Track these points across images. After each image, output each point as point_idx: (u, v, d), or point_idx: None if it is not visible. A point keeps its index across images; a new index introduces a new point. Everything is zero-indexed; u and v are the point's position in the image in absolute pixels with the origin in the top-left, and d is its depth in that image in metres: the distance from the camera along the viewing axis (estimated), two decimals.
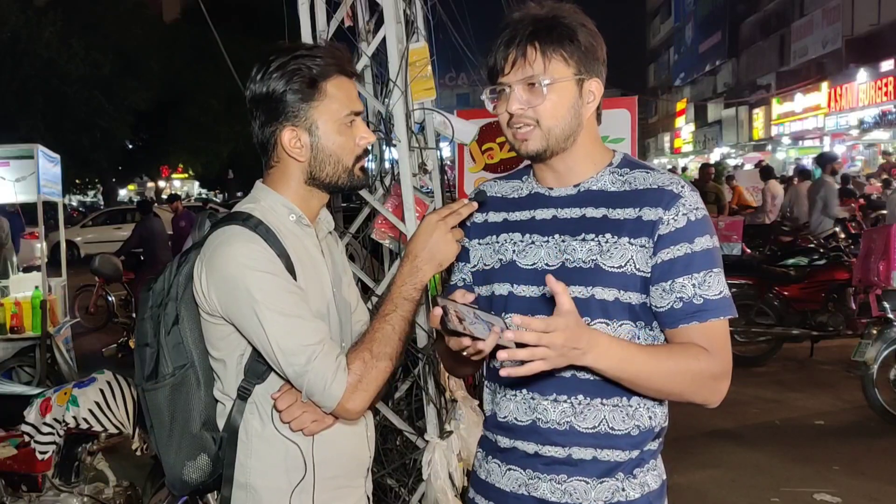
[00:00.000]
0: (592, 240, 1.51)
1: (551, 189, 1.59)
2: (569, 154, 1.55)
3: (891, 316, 5.48)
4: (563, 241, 1.53)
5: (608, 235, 1.50)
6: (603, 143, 1.62)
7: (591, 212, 1.53)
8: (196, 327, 1.61)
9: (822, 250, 7.61)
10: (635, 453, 1.53)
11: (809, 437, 5.30)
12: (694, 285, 1.46)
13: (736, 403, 6.05)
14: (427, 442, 3.04)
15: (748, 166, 23.96)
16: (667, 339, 1.53)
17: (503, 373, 1.32)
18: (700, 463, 4.78)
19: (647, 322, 1.52)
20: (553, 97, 1.49)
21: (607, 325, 1.50)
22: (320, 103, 1.58)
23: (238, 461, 1.60)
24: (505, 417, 1.60)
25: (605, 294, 1.49)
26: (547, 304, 1.49)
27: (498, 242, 1.63)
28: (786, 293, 7.17)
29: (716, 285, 1.47)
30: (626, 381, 1.45)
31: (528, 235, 1.58)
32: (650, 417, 1.54)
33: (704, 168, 12.73)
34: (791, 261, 7.54)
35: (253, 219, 1.56)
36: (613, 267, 1.49)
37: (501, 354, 1.32)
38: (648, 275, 1.48)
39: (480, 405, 3.32)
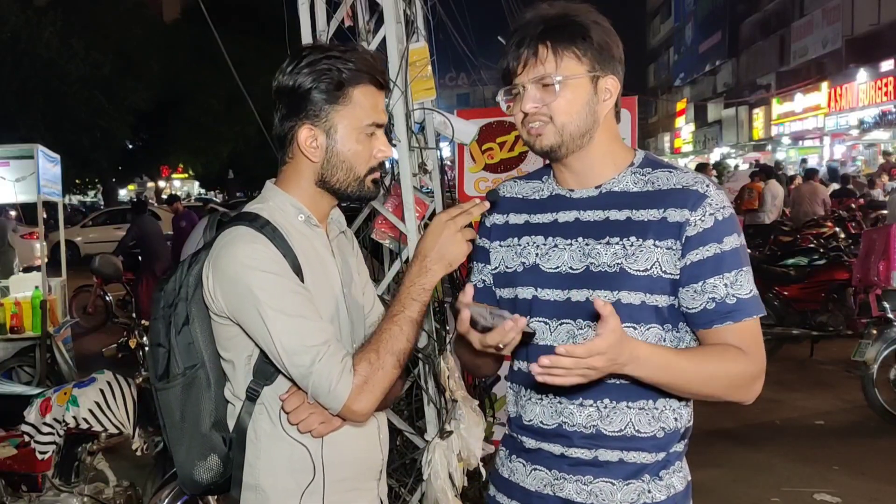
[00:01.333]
0: (617, 243, 1.49)
1: (572, 191, 1.57)
2: (586, 153, 1.53)
3: (891, 316, 5.48)
4: (587, 244, 1.52)
5: (633, 238, 1.48)
6: (623, 142, 1.60)
7: (615, 214, 1.51)
8: (206, 328, 1.61)
9: (822, 250, 7.62)
10: (661, 455, 1.53)
11: (809, 437, 5.31)
12: (726, 285, 1.45)
13: (736, 403, 6.03)
14: (427, 442, 3.04)
15: (747, 166, 23.96)
16: (698, 340, 1.52)
17: (539, 379, 1.31)
18: (701, 462, 4.75)
19: (673, 324, 1.51)
20: (567, 94, 1.47)
21: (634, 328, 1.48)
22: (344, 108, 1.57)
23: (247, 462, 1.59)
24: (530, 421, 1.59)
25: (632, 298, 1.47)
26: (572, 308, 1.50)
27: (520, 245, 1.61)
28: (786, 293, 7.17)
29: (746, 284, 1.46)
30: (663, 386, 1.45)
31: (550, 238, 1.57)
32: (675, 419, 1.54)
33: (702, 168, 12.72)
34: (791, 261, 7.55)
35: (260, 219, 1.55)
36: (639, 270, 1.47)
37: (536, 368, 1.30)
38: (676, 277, 1.46)
39: (481, 405, 3.32)
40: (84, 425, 3.23)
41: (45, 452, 3.23)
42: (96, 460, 3.56)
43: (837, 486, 4.42)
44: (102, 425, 3.25)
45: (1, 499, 3.40)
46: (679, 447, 1.57)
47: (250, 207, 1.61)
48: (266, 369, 1.56)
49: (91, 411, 3.23)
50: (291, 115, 1.58)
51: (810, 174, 13.04)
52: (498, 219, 1.68)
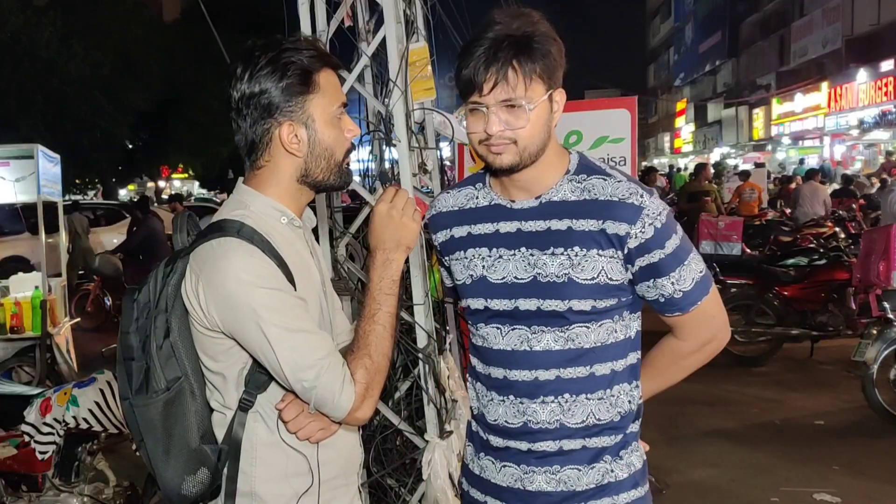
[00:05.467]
0: (562, 253, 1.56)
1: (513, 202, 1.62)
2: (536, 165, 1.57)
3: (891, 316, 5.48)
4: (532, 254, 1.58)
5: (577, 248, 1.55)
6: (559, 145, 1.64)
7: (556, 224, 1.58)
8: (187, 338, 1.56)
9: (822, 250, 7.61)
10: (619, 437, 1.63)
11: (809, 437, 5.30)
12: (672, 283, 1.57)
13: (736, 403, 6.04)
14: (427, 442, 3.04)
15: (747, 166, 23.96)
16: (640, 320, 1.69)
17: None
18: (700, 463, 4.78)
19: (621, 315, 1.61)
20: (532, 117, 1.51)
21: (587, 327, 1.58)
22: (315, 95, 1.55)
23: (241, 471, 1.57)
24: (496, 420, 1.64)
25: (582, 305, 1.56)
26: (521, 315, 1.59)
27: (466, 258, 1.67)
28: (786, 293, 7.17)
29: (689, 275, 1.58)
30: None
31: (494, 250, 1.63)
32: (629, 401, 1.64)
33: (701, 168, 12.71)
34: (791, 261, 7.54)
35: (246, 228, 1.51)
36: (586, 279, 1.55)
37: None
38: (621, 282, 1.57)
39: None
40: (84, 425, 3.23)
41: (45, 452, 3.23)
42: (96, 460, 3.55)
43: (837, 486, 4.42)
44: (102, 425, 3.25)
45: (1, 499, 3.39)
46: (634, 427, 1.67)
47: (231, 214, 1.55)
48: (258, 378, 1.53)
49: (91, 411, 3.23)
50: (265, 117, 1.54)
51: (810, 174, 13.04)
52: (442, 235, 1.73)
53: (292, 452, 1.56)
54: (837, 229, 9.14)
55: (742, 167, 23.54)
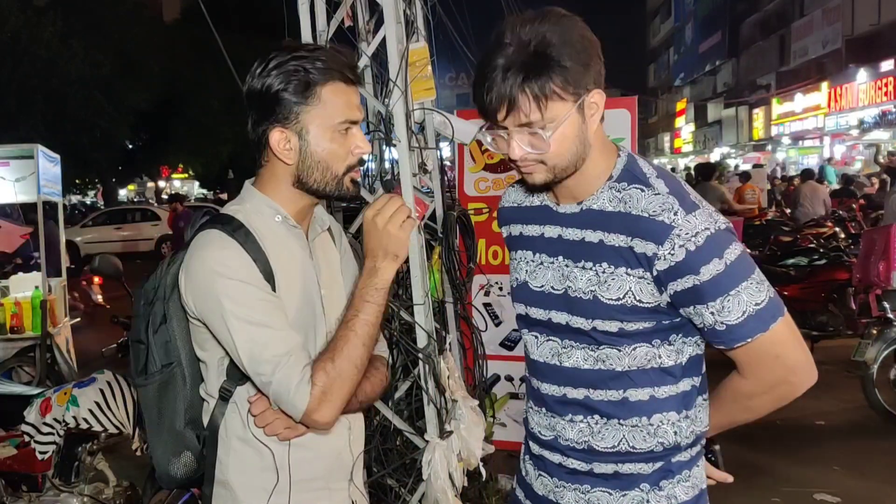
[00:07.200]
0: (591, 269, 1.45)
1: (558, 205, 1.54)
2: (578, 173, 1.47)
3: (891, 316, 5.47)
4: (567, 265, 1.50)
5: (605, 265, 1.44)
6: (609, 143, 1.52)
7: (590, 235, 1.46)
8: (184, 326, 1.61)
9: (822, 250, 7.61)
10: (659, 465, 1.49)
11: (810, 437, 5.30)
12: (713, 313, 1.39)
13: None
14: (427, 442, 3.04)
15: (746, 166, 23.96)
16: (700, 346, 1.52)
17: None
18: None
19: (664, 339, 1.46)
20: (556, 136, 1.39)
21: (619, 350, 1.46)
22: (313, 108, 1.54)
23: (218, 459, 1.62)
24: (533, 428, 1.62)
25: (607, 326, 1.44)
26: (554, 328, 1.52)
27: (516, 259, 1.63)
28: (786, 293, 7.15)
29: (737, 306, 1.38)
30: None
31: (538, 255, 1.56)
32: (675, 433, 1.49)
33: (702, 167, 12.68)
34: (791, 261, 7.54)
35: (234, 222, 1.54)
36: (612, 299, 1.43)
37: None
38: (652, 304, 1.42)
39: (481, 405, 3.32)
40: (84, 425, 3.23)
41: (45, 452, 3.23)
42: (96, 460, 3.55)
43: (837, 487, 4.42)
44: (102, 425, 3.25)
45: (1, 499, 3.39)
46: (684, 457, 1.51)
47: (227, 209, 1.61)
48: (237, 371, 1.56)
49: (91, 411, 3.23)
50: (263, 119, 1.56)
51: (809, 174, 13.03)
52: (505, 230, 1.69)
53: (261, 447, 1.58)
54: (837, 229, 9.13)
55: (742, 167, 23.54)
